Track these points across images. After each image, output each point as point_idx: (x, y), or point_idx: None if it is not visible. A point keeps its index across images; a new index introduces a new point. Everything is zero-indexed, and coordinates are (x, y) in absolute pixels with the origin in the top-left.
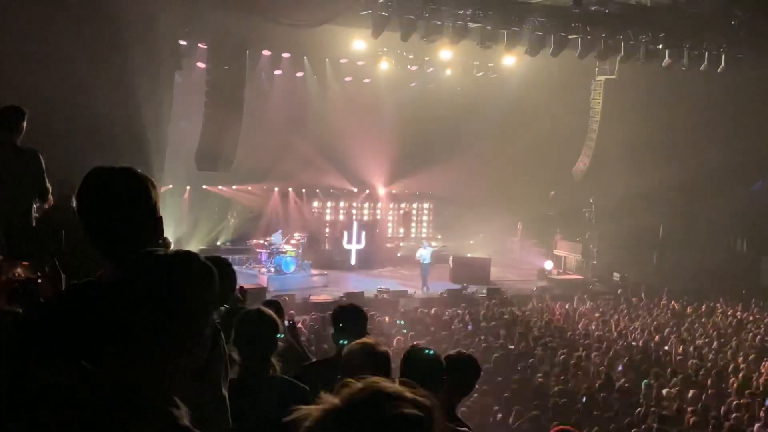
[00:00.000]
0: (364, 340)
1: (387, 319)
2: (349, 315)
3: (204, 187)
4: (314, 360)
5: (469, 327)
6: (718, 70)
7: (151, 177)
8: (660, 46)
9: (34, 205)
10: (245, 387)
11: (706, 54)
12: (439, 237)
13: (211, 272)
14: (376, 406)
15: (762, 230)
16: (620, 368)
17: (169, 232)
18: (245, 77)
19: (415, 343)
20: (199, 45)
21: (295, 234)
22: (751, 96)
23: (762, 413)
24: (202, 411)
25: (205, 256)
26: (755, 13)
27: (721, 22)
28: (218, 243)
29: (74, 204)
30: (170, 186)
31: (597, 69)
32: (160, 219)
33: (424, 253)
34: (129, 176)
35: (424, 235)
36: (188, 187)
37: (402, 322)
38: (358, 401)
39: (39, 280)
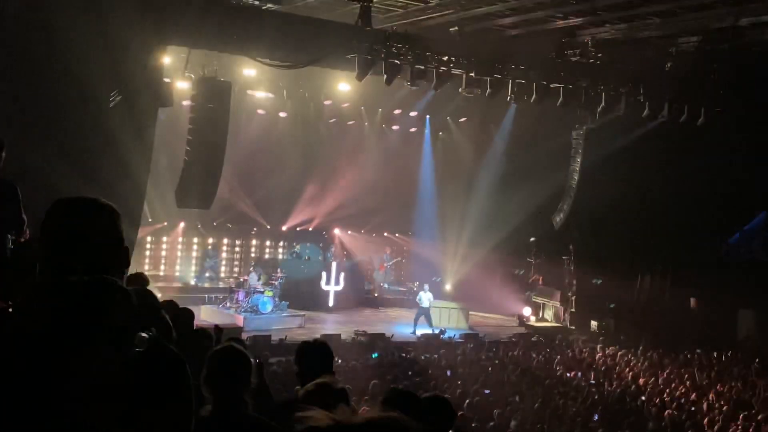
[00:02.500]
0: (321, 379)
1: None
2: (314, 352)
3: (182, 224)
4: (287, 399)
5: (448, 373)
6: (698, 123)
7: (133, 213)
8: (640, 99)
9: (10, 237)
10: (219, 425)
11: (686, 107)
12: (417, 283)
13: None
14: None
15: (739, 283)
16: (596, 417)
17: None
18: (229, 116)
19: (392, 386)
20: (185, 83)
21: (273, 274)
22: (729, 149)
23: None
24: None
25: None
26: (734, 70)
27: (702, 77)
28: (192, 282)
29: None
30: (150, 220)
31: (578, 118)
32: (126, 249)
33: (423, 296)
34: (93, 206)
35: (402, 278)
36: (165, 223)
37: (377, 354)
38: (377, 424)
39: (9, 309)
